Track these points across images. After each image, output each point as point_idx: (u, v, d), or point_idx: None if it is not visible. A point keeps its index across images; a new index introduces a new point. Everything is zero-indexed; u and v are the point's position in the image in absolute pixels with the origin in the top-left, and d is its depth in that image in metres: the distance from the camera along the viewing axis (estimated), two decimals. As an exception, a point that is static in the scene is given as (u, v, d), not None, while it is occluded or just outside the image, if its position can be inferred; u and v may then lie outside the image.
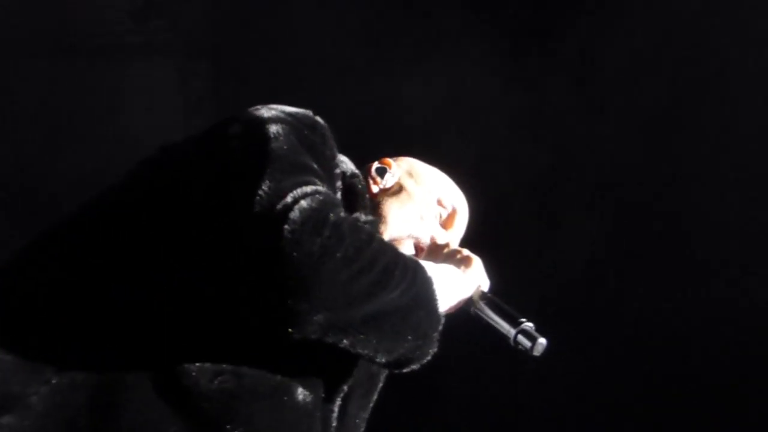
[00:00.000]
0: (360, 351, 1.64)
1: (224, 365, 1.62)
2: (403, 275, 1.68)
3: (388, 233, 2.03)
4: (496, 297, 1.96)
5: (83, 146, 3.75)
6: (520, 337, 1.87)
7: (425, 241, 2.08)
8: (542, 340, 1.86)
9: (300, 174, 1.67)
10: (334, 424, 1.83)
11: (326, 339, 1.59)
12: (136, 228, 1.71)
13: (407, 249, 2.05)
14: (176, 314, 1.63)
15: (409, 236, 2.08)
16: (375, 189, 2.12)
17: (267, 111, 1.81)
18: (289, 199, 1.58)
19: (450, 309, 1.87)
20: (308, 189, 1.62)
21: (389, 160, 2.21)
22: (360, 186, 2.00)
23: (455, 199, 2.22)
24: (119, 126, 3.83)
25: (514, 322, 1.88)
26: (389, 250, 1.71)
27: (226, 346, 1.64)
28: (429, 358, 1.75)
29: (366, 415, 1.96)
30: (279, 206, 1.57)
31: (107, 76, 4.09)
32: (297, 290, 1.54)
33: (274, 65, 4.21)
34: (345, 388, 1.83)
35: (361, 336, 1.61)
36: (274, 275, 1.55)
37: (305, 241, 1.54)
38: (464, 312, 1.95)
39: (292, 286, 1.54)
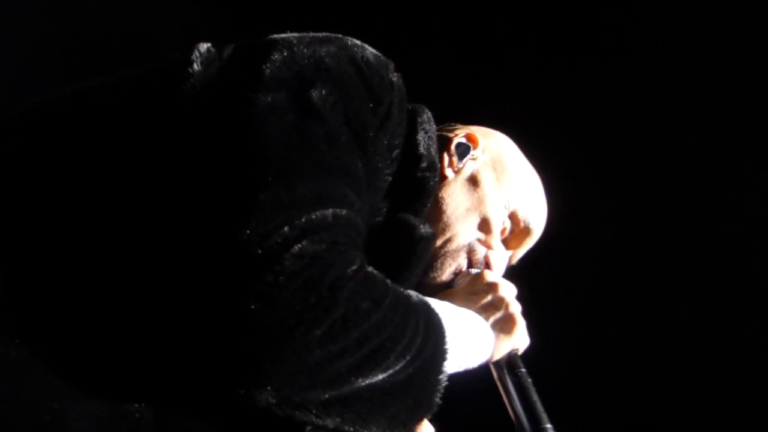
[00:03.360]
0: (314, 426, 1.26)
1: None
2: (404, 353, 1.26)
3: (443, 239, 1.69)
4: (528, 377, 1.60)
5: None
6: None
7: (480, 258, 1.74)
8: None
9: (326, 179, 1.25)
10: None
11: (274, 412, 1.19)
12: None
13: (462, 263, 1.73)
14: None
15: (468, 248, 1.73)
16: (448, 172, 1.73)
17: (329, 53, 1.36)
18: (294, 226, 1.17)
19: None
20: (327, 215, 1.21)
21: (477, 137, 1.78)
22: (431, 184, 1.60)
23: (533, 219, 1.83)
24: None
25: (536, 424, 1.53)
26: (399, 319, 1.27)
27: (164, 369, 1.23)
28: None
29: None
30: (276, 236, 1.15)
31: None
32: (243, 364, 1.14)
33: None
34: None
35: (317, 419, 1.22)
36: (224, 330, 1.13)
37: (282, 304, 1.13)
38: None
39: (238, 357, 1.14)
